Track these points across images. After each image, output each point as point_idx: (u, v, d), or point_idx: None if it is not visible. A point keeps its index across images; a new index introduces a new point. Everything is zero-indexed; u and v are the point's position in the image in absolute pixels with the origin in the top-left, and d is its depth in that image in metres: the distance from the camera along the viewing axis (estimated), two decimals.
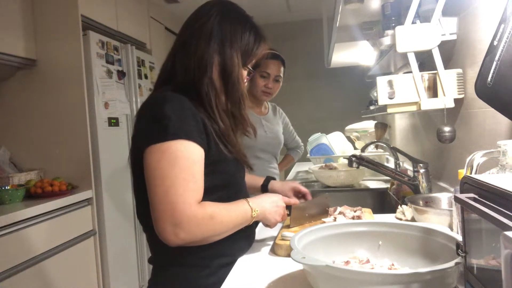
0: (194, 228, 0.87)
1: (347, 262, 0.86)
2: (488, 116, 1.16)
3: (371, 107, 2.54)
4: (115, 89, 2.76)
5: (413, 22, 1.32)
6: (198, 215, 0.87)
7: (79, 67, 2.44)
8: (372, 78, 2.71)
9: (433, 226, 0.90)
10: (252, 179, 1.40)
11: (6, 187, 2.14)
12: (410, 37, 1.30)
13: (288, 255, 0.81)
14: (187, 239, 0.87)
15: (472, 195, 0.58)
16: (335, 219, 1.23)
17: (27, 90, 2.48)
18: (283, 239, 1.09)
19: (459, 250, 0.64)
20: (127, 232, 2.84)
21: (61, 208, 2.17)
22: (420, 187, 1.49)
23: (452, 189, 1.34)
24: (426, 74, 1.36)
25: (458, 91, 1.32)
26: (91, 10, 2.59)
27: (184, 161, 0.88)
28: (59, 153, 2.46)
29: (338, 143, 2.87)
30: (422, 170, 1.49)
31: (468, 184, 0.61)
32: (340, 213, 1.29)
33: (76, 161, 2.45)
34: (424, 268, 0.68)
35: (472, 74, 1.25)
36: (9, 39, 2.27)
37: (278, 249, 1.07)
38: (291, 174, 2.92)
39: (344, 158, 2.35)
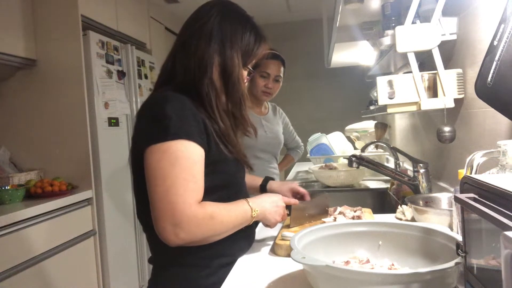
0: (194, 228, 0.87)
1: (347, 262, 0.87)
2: (488, 116, 1.15)
3: (371, 107, 2.54)
4: (115, 89, 2.76)
5: (413, 22, 1.32)
6: (198, 215, 0.87)
7: (79, 67, 2.44)
8: (372, 78, 2.70)
9: (433, 226, 0.90)
10: (251, 179, 1.40)
11: (6, 187, 2.14)
12: (410, 37, 1.30)
13: (288, 255, 0.81)
14: (187, 239, 0.87)
15: (472, 195, 0.58)
16: (335, 219, 1.23)
17: (27, 90, 2.48)
18: (283, 239, 1.09)
19: (459, 250, 0.64)
20: (127, 232, 2.84)
21: (61, 208, 2.17)
22: (420, 187, 1.49)
23: (452, 189, 1.34)
24: (426, 74, 1.36)
25: (458, 91, 1.32)
26: (91, 10, 2.59)
27: (185, 161, 0.88)
28: (59, 153, 2.46)
29: (338, 143, 2.87)
30: (422, 170, 1.49)
31: (468, 184, 0.61)
32: (340, 213, 1.29)
33: (76, 161, 2.45)
34: (424, 268, 0.68)
35: (472, 74, 1.25)
36: (9, 39, 2.27)
37: (278, 249, 1.07)
38: (291, 174, 2.92)
39: (344, 158, 2.35)
